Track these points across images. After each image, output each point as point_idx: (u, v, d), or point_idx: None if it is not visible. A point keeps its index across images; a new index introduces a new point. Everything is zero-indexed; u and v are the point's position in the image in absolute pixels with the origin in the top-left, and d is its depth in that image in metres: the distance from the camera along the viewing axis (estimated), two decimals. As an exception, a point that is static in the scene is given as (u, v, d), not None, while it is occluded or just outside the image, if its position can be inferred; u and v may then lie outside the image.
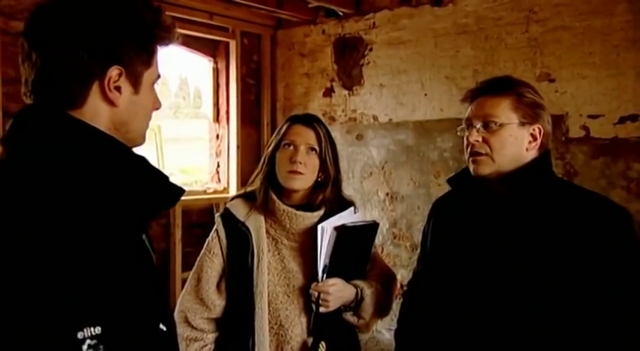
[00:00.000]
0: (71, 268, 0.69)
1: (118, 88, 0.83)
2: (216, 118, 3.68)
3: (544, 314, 1.22)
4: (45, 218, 0.71)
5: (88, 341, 0.68)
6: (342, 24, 3.49)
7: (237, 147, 3.59)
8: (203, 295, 1.55)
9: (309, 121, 1.56)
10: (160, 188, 0.85)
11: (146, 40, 0.86)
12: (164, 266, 3.25)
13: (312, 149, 1.53)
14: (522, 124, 1.29)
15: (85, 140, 0.79)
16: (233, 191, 3.51)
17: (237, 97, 3.60)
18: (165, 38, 0.88)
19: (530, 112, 1.30)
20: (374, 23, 3.35)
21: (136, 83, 0.85)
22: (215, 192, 3.57)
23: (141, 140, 0.91)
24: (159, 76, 0.91)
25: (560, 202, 1.27)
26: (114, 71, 0.82)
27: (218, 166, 3.68)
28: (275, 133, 1.60)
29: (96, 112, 0.83)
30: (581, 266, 1.20)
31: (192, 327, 1.56)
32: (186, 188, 3.38)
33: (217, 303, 1.55)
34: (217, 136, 3.68)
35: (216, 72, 3.67)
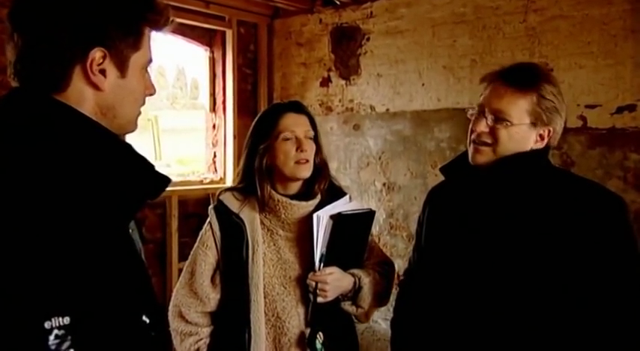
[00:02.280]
0: (43, 255, 0.67)
1: (102, 72, 0.81)
2: (213, 108, 3.66)
3: (539, 302, 1.22)
4: (20, 204, 0.69)
5: (55, 331, 0.66)
6: (340, 13, 3.46)
7: (234, 137, 3.57)
8: (197, 289, 1.54)
9: (301, 108, 1.56)
10: (145, 177, 0.83)
11: (132, 21, 0.83)
12: (160, 256, 3.25)
13: (309, 136, 1.53)
14: (534, 124, 1.26)
15: (67, 125, 0.77)
16: (229, 181, 3.50)
17: (234, 86, 3.58)
18: (155, 21, 0.86)
19: (545, 116, 1.26)
20: (371, 12, 3.33)
21: (122, 67, 0.83)
22: (211, 182, 3.56)
23: (131, 126, 0.89)
24: (151, 60, 0.88)
25: (555, 189, 1.26)
26: (97, 53, 0.79)
27: (214, 156, 3.67)
28: (259, 123, 1.56)
29: (81, 96, 0.80)
30: (576, 254, 1.20)
31: (187, 321, 1.55)
32: (182, 178, 3.34)
33: (212, 296, 1.54)
34: (214, 126, 3.67)
35: (212, 61, 3.64)
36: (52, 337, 0.66)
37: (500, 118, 1.26)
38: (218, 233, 1.55)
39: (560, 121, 1.29)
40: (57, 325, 0.66)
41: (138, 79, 0.86)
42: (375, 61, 3.31)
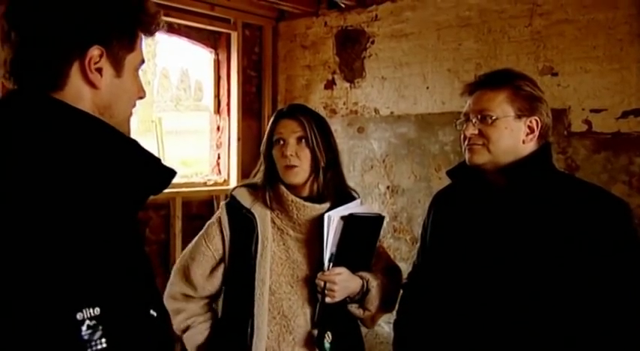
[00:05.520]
0: (69, 249, 0.69)
1: (99, 70, 0.82)
2: (217, 110, 3.67)
3: (543, 306, 1.21)
4: (40, 202, 0.70)
5: (87, 322, 0.68)
6: (344, 16, 3.47)
7: (238, 139, 3.58)
8: (192, 277, 1.58)
9: (293, 112, 1.56)
10: (153, 170, 0.84)
11: (129, 23, 0.85)
12: (164, 257, 3.25)
13: (301, 139, 1.52)
14: (519, 116, 1.30)
15: (72, 123, 0.78)
16: (233, 183, 3.50)
17: (238, 88, 3.58)
18: (149, 24, 0.88)
19: (526, 104, 1.30)
20: (376, 15, 3.33)
21: (117, 66, 0.84)
22: (215, 184, 3.57)
23: (125, 127, 0.92)
24: (143, 62, 0.90)
25: (559, 194, 1.27)
26: (95, 51, 0.81)
27: (218, 158, 3.68)
28: (268, 128, 1.61)
29: (78, 95, 0.82)
30: (580, 258, 1.20)
31: (175, 299, 1.59)
32: (186, 180, 3.34)
33: (204, 286, 1.59)
34: (218, 128, 3.67)
35: (217, 63, 3.65)
36: (84, 328, 0.67)
37: (484, 116, 1.31)
38: (227, 229, 1.57)
39: (544, 110, 1.33)
40: (88, 316, 0.68)
41: (132, 79, 0.88)
42: (380, 64, 3.31)
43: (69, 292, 0.68)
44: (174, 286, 1.61)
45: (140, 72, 0.91)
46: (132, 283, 0.76)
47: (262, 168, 1.58)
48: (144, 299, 0.79)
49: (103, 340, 0.68)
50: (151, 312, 0.80)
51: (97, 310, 0.69)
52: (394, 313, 1.61)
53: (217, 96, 3.66)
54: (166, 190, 3.24)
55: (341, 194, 1.58)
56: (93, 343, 0.68)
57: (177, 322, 1.57)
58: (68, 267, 0.69)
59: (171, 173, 0.86)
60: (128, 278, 0.75)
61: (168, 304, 1.57)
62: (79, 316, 0.67)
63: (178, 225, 3.24)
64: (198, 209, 3.40)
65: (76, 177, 0.73)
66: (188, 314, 1.59)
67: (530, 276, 1.23)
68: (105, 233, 0.73)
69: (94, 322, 0.68)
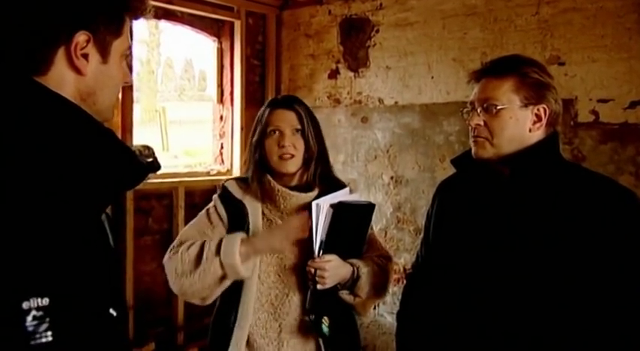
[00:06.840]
0: (21, 235, 0.66)
1: (85, 56, 0.80)
2: (220, 99, 3.65)
3: (549, 296, 1.20)
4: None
5: (33, 312, 0.64)
6: (349, 4, 3.43)
7: (241, 128, 3.56)
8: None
9: (289, 103, 1.59)
10: (125, 165, 0.81)
11: (117, 7, 0.83)
12: (167, 247, 3.25)
13: (297, 130, 1.56)
14: (525, 105, 1.27)
15: (49, 107, 0.76)
16: (236, 173, 3.50)
17: (242, 78, 3.56)
18: (136, 8, 0.86)
19: (533, 92, 1.27)
20: (381, 4, 3.29)
21: (104, 52, 0.83)
22: (218, 173, 3.56)
23: (108, 114, 0.89)
24: (129, 48, 0.88)
25: (565, 183, 1.25)
26: (81, 37, 0.79)
27: (222, 147, 3.66)
28: (257, 119, 1.62)
29: (62, 80, 0.80)
30: (586, 248, 1.18)
31: (175, 252, 1.57)
32: (189, 170, 3.32)
33: None
34: (221, 118, 3.66)
35: (220, 52, 3.62)
36: (29, 318, 0.64)
37: (489, 105, 1.28)
38: (225, 219, 1.60)
39: (552, 98, 1.29)
40: (35, 305, 0.64)
41: (117, 65, 0.87)
42: (384, 53, 3.28)
43: (16, 279, 0.64)
44: (173, 247, 1.57)
45: (127, 59, 0.90)
46: (91, 278, 0.72)
47: (253, 160, 1.60)
48: (103, 296, 0.75)
49: (49, 333, 0.65)
50: (111, 311, 0.76)
51: (46, 301, 0.65)
52: (396, 303, 1.60)
53: (220, 85, 3.64)
54: (169, 180, 3.24)
55: (329, 183, 1.60)
56: (37, 336, 0.64)
57: (191, 253, 1.53)
58: (18, 252, 0.65)
59: (145, 169, 0.84)
60: (87, 273, 0.72)
61: (171, 262, 1.57)
62: (25, 305, 0.64)
63: (181, 214, 3.24)
64: (201, 199, 3.39)
65: (41, 163, 0.71)
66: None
67: (536, 266, 1.21)
68: (64, 224, 0.70)
69: (41, 313, 0.64)
